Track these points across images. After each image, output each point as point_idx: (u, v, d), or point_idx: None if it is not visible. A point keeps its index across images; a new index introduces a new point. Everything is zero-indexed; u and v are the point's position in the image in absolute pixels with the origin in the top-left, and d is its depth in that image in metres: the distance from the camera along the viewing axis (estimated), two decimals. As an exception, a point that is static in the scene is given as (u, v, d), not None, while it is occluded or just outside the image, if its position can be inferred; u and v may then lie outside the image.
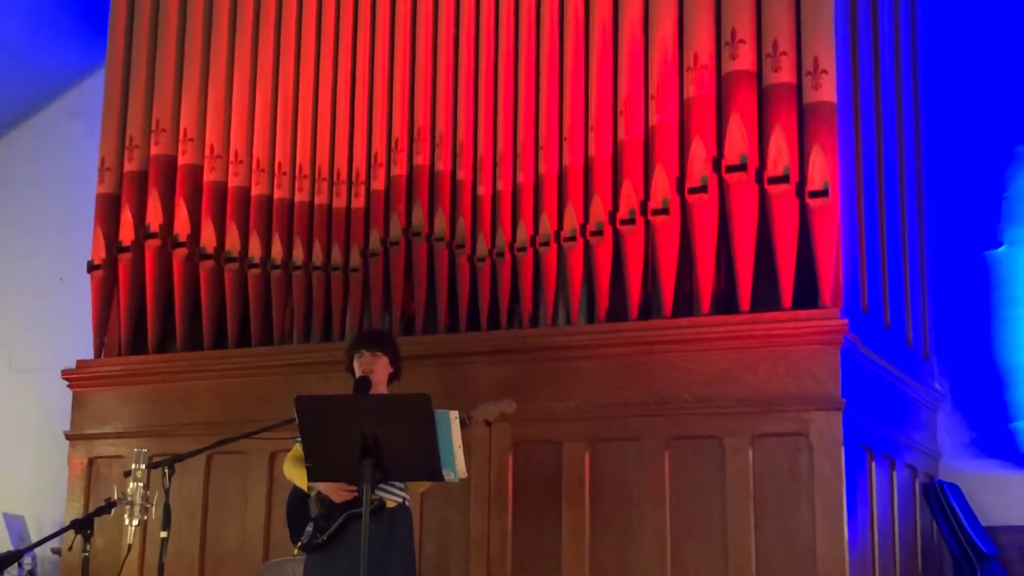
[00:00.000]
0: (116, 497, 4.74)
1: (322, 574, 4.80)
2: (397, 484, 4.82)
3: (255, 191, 6.45)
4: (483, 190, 5.94)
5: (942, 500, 5.95)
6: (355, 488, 4.66)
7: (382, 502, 4.73)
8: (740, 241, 5.28)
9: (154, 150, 6.74)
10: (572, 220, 5.65)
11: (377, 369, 4.93)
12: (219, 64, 6.68)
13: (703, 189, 5.35)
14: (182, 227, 6.54)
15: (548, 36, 5.90)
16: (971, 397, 6.43)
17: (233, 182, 6.52)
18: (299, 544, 4.83)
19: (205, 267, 6.44)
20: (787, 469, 5.08)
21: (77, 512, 6.33)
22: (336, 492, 4.73)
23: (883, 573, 5.35)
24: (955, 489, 6.09)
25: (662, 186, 5.45)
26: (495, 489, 5.57)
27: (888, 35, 6.17)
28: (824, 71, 5.32)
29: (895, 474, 5.61)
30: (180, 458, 4.78)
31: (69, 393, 6.73)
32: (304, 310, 6.27)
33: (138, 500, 4.73)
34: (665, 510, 5.25)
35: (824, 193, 5.20)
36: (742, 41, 5.43)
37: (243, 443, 5.12)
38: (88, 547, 4.65)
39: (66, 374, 6.72)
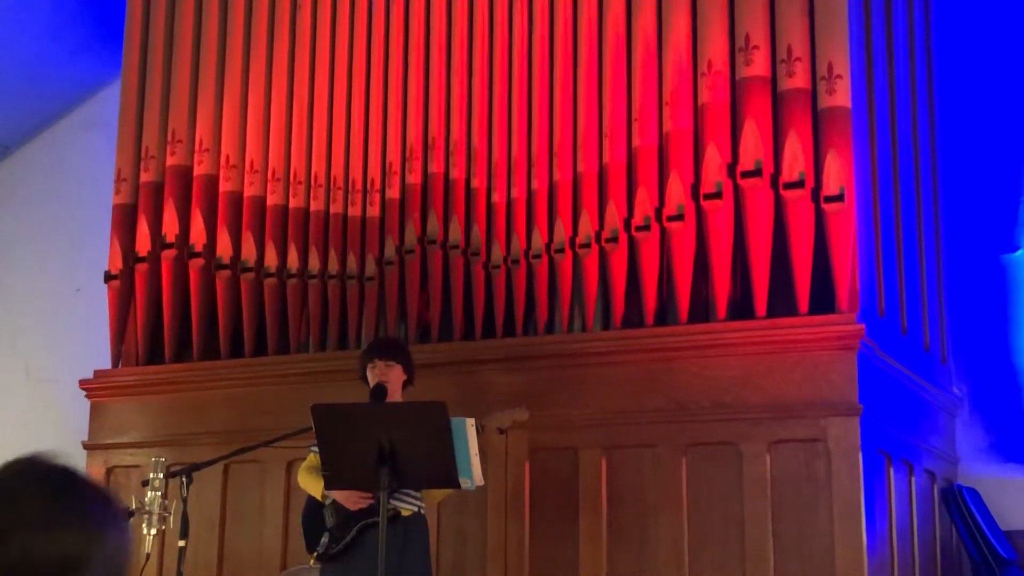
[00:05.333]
0: (134, 506, 4.75)
1: (339, 583, 4.81)
2: (412, 492, 4.82)
3: (271, 200, 6.47)
4: (498, 198, 5.95)
5: (961, 505, 5.93)
6: (370, 496, 4.67)
7: (397, 511, 4.72)
8: (756, 247, 5.27)
9: (170, 160, 6.76)
10: (587, 227, 5.65)
11: (391, 377, 4.92)
12: (234, 74, 6.70)
13: (718, 195, 5.34)
14: (198, 237, 6.56)
15: (562, 43, 5.90)
16: (989, 401, 6.39)
17: (249, 192, 6.54)
18: (315, 554, 4.84)
19: (221, 277, 6.46)
20: (804, 475, 5.06)
21: (95, 522, 6.34)
22: (351, 500, 4.73)
23: (902, 579, 5.33)
24: (974, 494, 6.07)
25: (677, 192, 5.44)
26: (512, 496, 5.56)
27: (903, 39, 6.15)
28: (839, 76, 5.31)
29: (913, 479, 5.58)
30: (197, 467, 4.80)
31: (86, 403, 6.74)
32: (320, 319, 6.28)
33: (156, 509, 4.76)
34: (682, 517, 5.23)
35: (840, 198, 5.19)
36: (756, 47, 5.43)
37: (260, 452, 5.13)
38: (106, 557, 4.65)
39: (83, 384, 6.73)
